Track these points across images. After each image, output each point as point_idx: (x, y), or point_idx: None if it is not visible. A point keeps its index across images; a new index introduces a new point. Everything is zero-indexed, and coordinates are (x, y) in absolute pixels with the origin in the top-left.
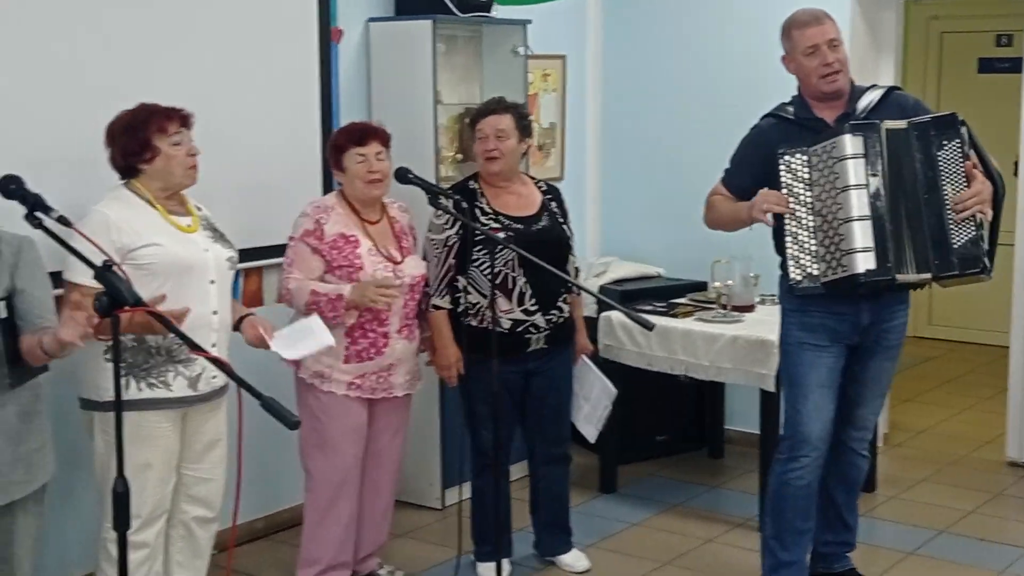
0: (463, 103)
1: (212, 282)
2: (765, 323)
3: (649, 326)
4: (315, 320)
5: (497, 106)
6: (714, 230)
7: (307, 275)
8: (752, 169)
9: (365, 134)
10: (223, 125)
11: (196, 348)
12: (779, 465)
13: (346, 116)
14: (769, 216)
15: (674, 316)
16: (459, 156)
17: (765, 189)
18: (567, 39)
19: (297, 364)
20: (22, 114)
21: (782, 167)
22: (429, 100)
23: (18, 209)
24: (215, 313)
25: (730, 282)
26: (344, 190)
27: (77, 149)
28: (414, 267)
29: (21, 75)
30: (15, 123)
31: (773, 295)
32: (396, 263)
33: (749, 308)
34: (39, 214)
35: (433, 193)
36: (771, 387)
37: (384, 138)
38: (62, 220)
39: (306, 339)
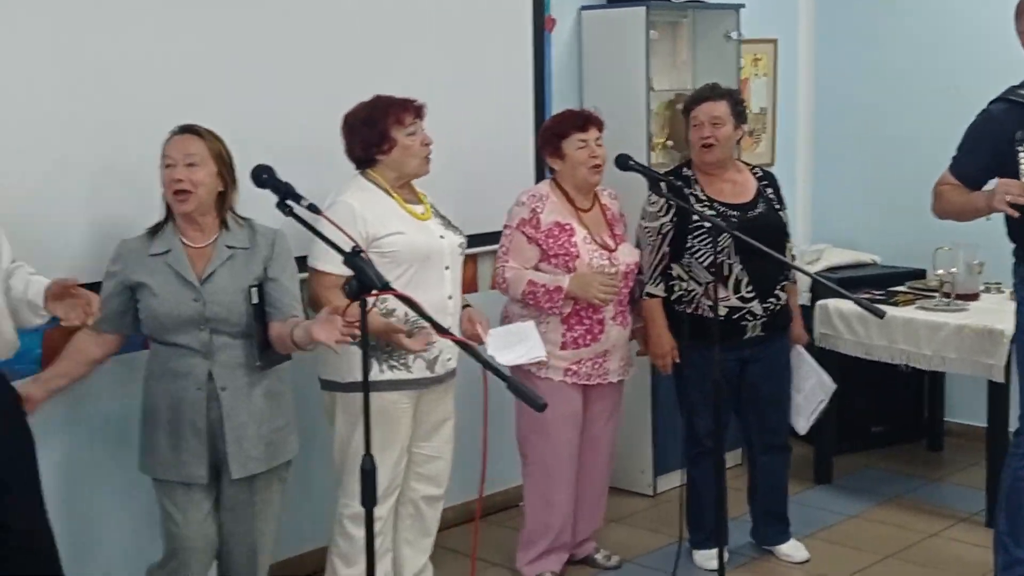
0: (674, 89)
1: (447, 268)
2: (992, 312)
3: (880, 314)
4: (532, 328)
5: (712, 93)
6: (944, 220)
7: (522, 264)
8: (983, 157)
9: (587, 120)
10: (439, 114)
11: (443, 331)
12: (1015, 460)
13: (558, 104)
14: (1009, 207)
15: (893, 304)
16: (670, 143)
17: (1005, 179)
18: (779, 23)
19: None
20: (268, 108)
21: (1022, 153)
22: (641, 87)
23: (268, 199)
24: (450, 298)
25: (953, 270)
26: (559, 177)
27: (315, 140)
28: (628, 255)
29: (265, 72)
30: (262, 116)
31: (999, 283)
32: (611, 251)
33: (973, 296)
34: (290, 202)
35: (653, 180)
36: (1000, 378)
37: (601, 125)
38: (312, 208)
39: (520, 345)
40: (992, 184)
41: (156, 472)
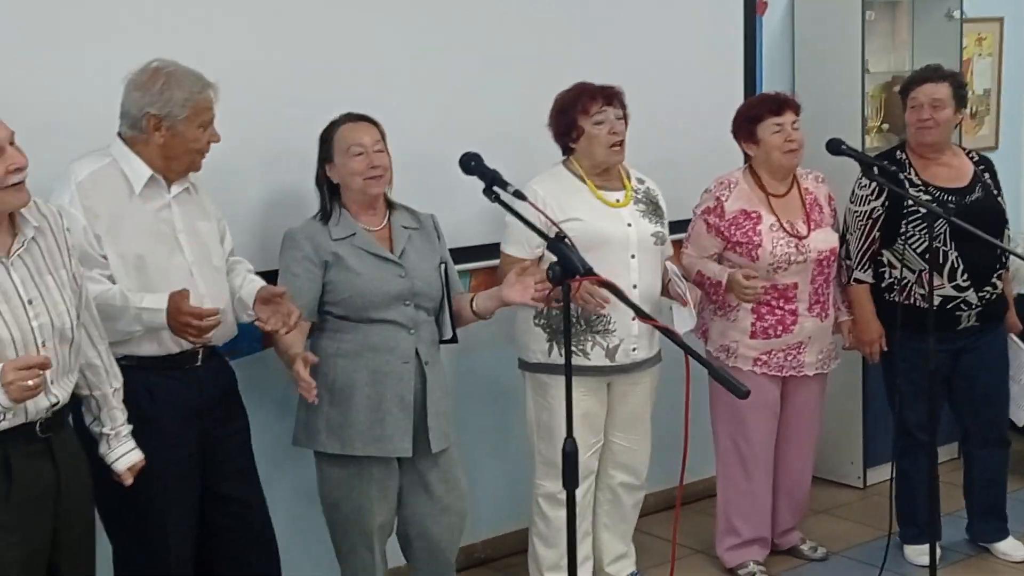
0: (891, 72)
1: (632, 256)
2: None
3: None
4: (677, 309)
5: (934, 74)
6: None
7: (700, 253)
8: None
9: (782, 103)
10: (648, 100)
11: (644, 316)
12: None
13: (769, 88)
14: None
15: None
16: (885, 126)
17: None
18: (1005, 0)
19: (704, 337)
20: (478, 97)
21: None
22: (856, 69)
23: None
24: (635, 287)
25: None
26: (754, 163)
27: (522, 128)
28: (822, 241)
29: (475, 64)
30: (472, 105)
31: None
32: (800, 237)
33: None
34: (496, 188)
35: (866, 164)
36: None
37: (797, 108)
38: (517, 194)
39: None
40: None
41: (352, 448)
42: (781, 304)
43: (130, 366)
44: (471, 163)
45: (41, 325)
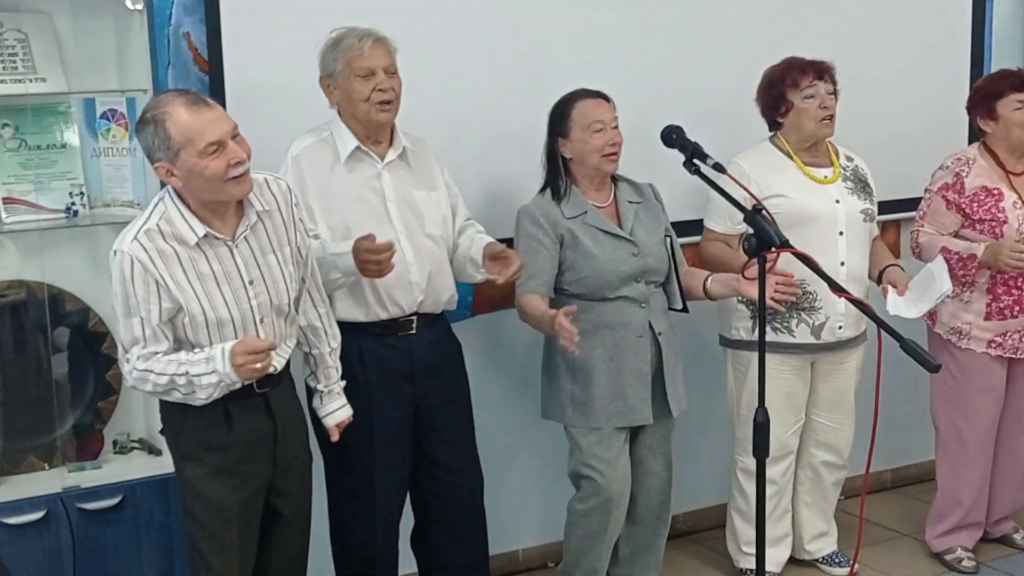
0: None
1: (841, 233)
2: None
3: None
4: (938, 263)
5: None
6: None
7: (938, 230)
8: None
9: None
10: (868, 76)
11: (839, 290)
12: None
13: (998, 64)
14: None
15: None
16: None
17: None
18: None
19: (932, 319)
20: (685, 72)
21: None
22: None
23: None
24: (843, 264)
25: None
26: (990, 140)
27: (732, 102)
28: None
29: (683, 40)
30: (679, 80)
31: None
32: None
33: None
34: (696, 161)
35: None
36: None
37: None
38: (717, 167)
39: (927, 288)
40: None
41: (597, 421)
42: (1019, 283)
43: (344, 330)
44: (672, 135)
45: (260, 304)
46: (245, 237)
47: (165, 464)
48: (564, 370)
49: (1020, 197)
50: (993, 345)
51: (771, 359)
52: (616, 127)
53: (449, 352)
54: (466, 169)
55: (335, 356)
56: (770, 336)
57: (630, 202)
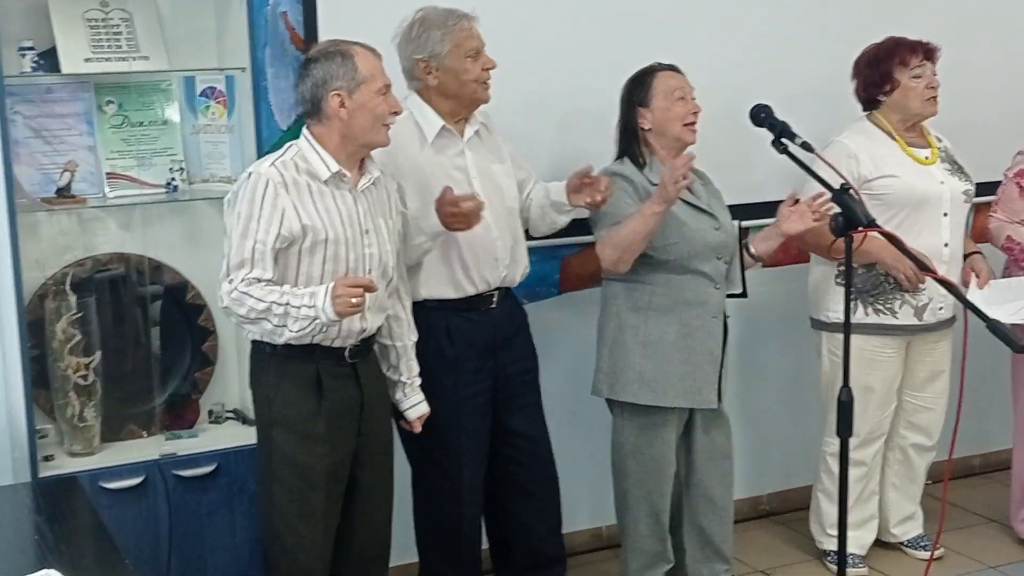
0: None
1: (945, 214)
2: None
3: None
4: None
5: None
6: None
7: (1010, 217)
8: None
9: None
10: (953, 58)
11: (926, 269)
12: None
13: None
14: None
15: None
16: None
17: None
18: None
19: None
20: (780, 52)
21: None
22: None
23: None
24: (946, 245)
25: None
26: None
27: (826, 83)
28: None
29: (772, 20)
30: (774, 60)
31: None
32: None
33: None
34: (784, 140)
35: None
36: None
37: None
38: (805, 146)
39: (1015, 302)
40: None
41: (666, 399)
42: None
43: (432, 308)
44: (761, 114)
45: (371, 255)
46: (365, 191)
47: None
48: (635, 345)
49: None
50: None
51: (872, 341)
52: (695, 98)
53: (523, 323)
54: (539, 147)
55: (414, 349)
56: (873, 318)
57: (697, 180)
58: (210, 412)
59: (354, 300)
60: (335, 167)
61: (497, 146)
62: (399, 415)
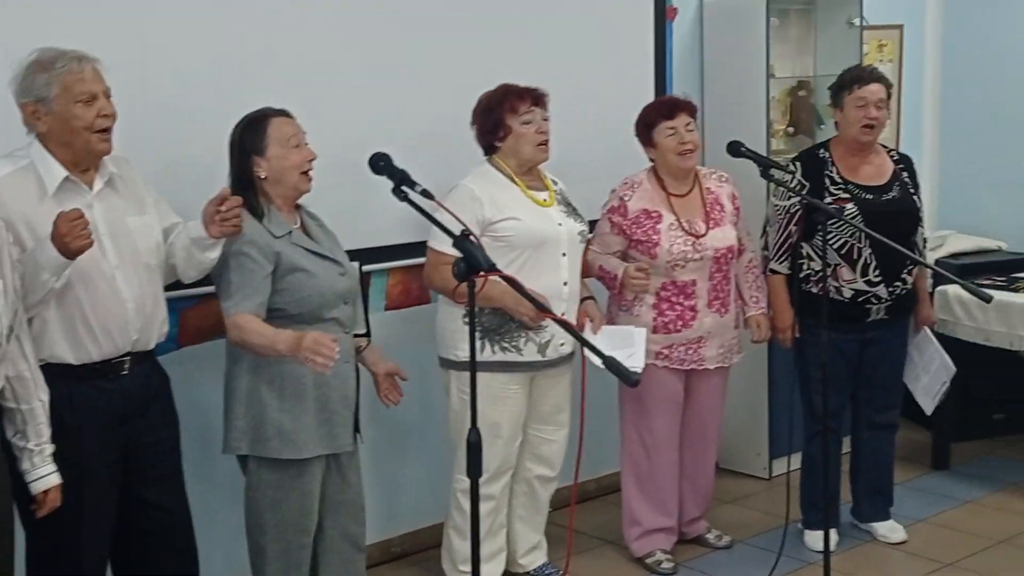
0: (796, 76)
1: (564, 254)
2: None
3: (986, 298)
4: (641, 337)
5: (875, 75)
6: None
7: (603, 250)
8: None
9: (674, 107)
10: (563, 103)
11: (545, 311)
12: None
13: (679, 92)
14: None
15: (1015, 291)
16: (790, 129)
17: None
18: (905, 8)
19: None
20: (394, 99)
21: None
22: (762, 74)
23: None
24: (565, 284)
25: None
26: (655, 165)
27: (451, 127)
28: (719, 239)
29: (390, 66)
30: (388, 107)
31: None
32: (698, 236)
33: None
34: (405, 188)
35: (765, 166)
36: None
37: (692, 110)
38: (425, 193)
39: (623, 350)
40: None
41: (307, 450)
42: (681, 300)
43: (55, 372)
44: (380, 163)
45: None
46: None
47: None
48: (271, 399)
49: (678, 219)
50: (661, 357)
51: (499, 378)
52: (307, 144)
53: (161, 389)
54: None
55: (46, 409)
56: (499, 355)
57: (318, 225)
58: None
59: None
60: None
61: (138, 196)
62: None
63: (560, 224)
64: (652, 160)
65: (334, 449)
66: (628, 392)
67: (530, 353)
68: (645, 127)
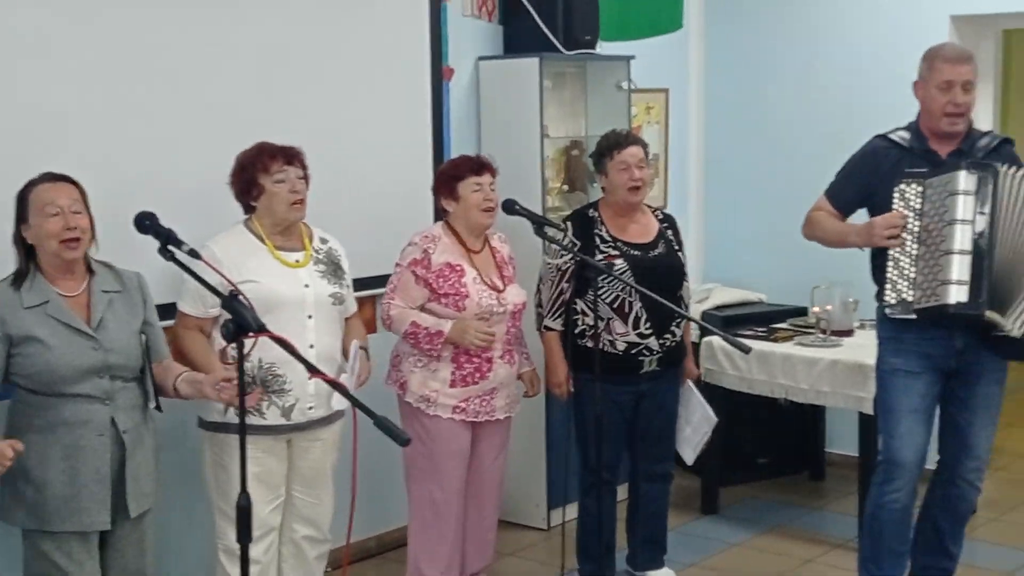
0: (569, 136)
1: (310, 316)
2: (864, 347)
3: (745, 349)
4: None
5: (632, 138)
6: (812, 242)
7: (408, 303)
8: (859, 187)
9: (482, 165)
10: (341, 160)
11: (315, 371)
12: (875, 489)
13: (457, 150)
14: (889, 240)
15: (774, 340)
16: (565, 187)
17: (886, 215)
18: (670, 73)
19: (403, 388)
20: (158, 154)
21: (896, 195)
22: (536, 134)
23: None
24: (312, 347)
25: (829, 307)
26: (452, 219)
27: (214, 187)
28: (515, 295)
29: (157, 119)
30: (152, 162)
31: (872, 320)
32: (499, 291)
33: (848, 333)
34: (171, 247)
35: (539, 224)
36: (870, 410)
37: (494, 171)
38: (192, 253)
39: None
40: (856, 218)
41: (50, 524)
42: (479, 353)
43: None
44: (146, 222)
45: None
46: None
47: None
48: (18, 470)
49: (480, 273)
50: (458, 411)
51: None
52: (79, 212)
53: None
54: None
55: None
56: (237, 419)
57: (105, 291)
58: None
59: None
60: None
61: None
62: None
63: (307, 285)
64: (446, 213)
65: (84, 527)
66: (416, 447)
67: (273, 417)
68: (451, 180)
